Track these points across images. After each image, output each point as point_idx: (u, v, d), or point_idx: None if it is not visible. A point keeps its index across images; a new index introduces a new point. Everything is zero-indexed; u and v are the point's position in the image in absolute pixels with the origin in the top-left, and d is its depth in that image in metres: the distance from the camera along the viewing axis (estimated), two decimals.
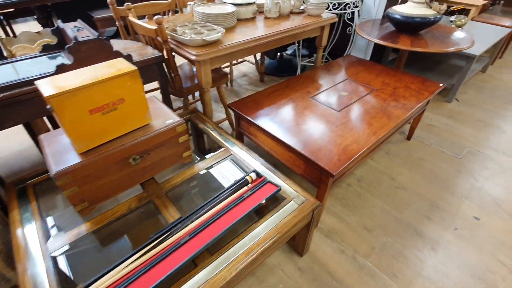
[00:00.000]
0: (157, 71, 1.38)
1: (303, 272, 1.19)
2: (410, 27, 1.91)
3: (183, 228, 0.90)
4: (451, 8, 3.01)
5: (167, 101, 1.54)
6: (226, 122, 2.12)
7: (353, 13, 2.44)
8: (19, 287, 0.80)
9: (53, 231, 1.03)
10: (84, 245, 0.98)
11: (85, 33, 1.21)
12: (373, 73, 1.77)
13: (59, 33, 1.34)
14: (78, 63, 1.14)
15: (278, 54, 2.94)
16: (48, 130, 1.64)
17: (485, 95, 2.49)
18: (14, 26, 4.54)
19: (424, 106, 1.71)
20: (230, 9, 1.60)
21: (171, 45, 1.41)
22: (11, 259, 1.11)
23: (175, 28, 1.42)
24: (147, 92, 2.15)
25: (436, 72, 2.51)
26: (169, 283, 0.78)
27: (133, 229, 1.07)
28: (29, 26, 4.73)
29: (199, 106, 2.31)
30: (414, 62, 2.71)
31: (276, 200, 1.08)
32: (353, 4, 2.29)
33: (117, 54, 1.21)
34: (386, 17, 2.00)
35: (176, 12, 2.03)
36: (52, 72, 1.11)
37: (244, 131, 1.50)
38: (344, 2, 2.23)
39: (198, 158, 1.58)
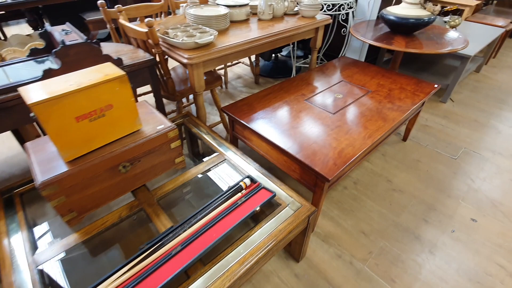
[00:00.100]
0: (149, 74, 1.36)
1: (299, 278, 1.16)
2: (405, 28, 1.91)
3: (175, 237, 0.87)
4: (445, 8, 3.02)
5: (159, 105, 1.51)
6: (221, 125, 2.09)
7: (347, 14, 2.43)
8: None
9: (41, 242, 0.99)
10: (72, 256, 0.95)
11: (73, 37, 1.18)
12: (368, 74, 1.75)
13: (47, 37, 1.31)
14: (66, 68, 1.10)
15: (273, 55, 2.92)
16: (39, 136, 1.61)
17: (479, 95, 2.49)
18: (6, 29, 4.47)
19: (419, 107, 1.70)
20: (223, 11, 1.58)
21: (163, 48, 1.38)
22: None
23: (167, 30, 1.39)
24: (139, 95, 2.12)
25: (431, 73, 2.51)
26: None
27: (124, 239, 1.04)
28: (21, 29, 4.66)
29: (193, 108, 2.28)
30: (409, 62, 2.71)
31: (271, 206, 1.05)
32: (348, 5, 2.28)
33: (107, 58, 1.18)
34: (381, 18, 1.99)
35: (169, 14, 2.00)
36: (39, 77, 1.08)
37: (238, 135, 1.48)
38: (338, 3, 2.22)
39: (193, 163, 1.55)
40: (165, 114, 1.58)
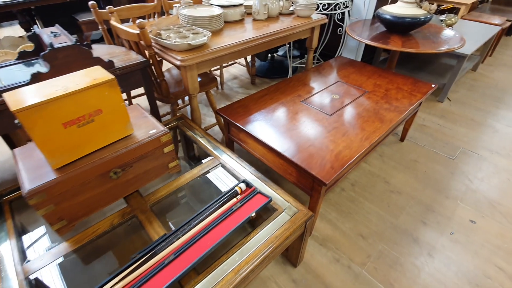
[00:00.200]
0: (141, 77, 1.33)
1: (297, 284, 1.14)
2: (401, 27, 1.89)
3: (168, 246, 0.84)
4: (441, 7, 3.01)
5: (153, 107, 1.49)
6: (217, 126, 2.07)
7: (343, 13, 2.41)
8: None
9: (31, 251, 0.96)
10: (62, 266, 0.92)
11: (62, 39, 1.15)
12: (364, 74, 1.73)
13: (36, 39, 1.28)
14: (55, 71, 1.07)
15: (269, 55, 2.90)
16: (30, 140, 1.57)
17: (476, 94, 2.49)
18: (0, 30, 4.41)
19: (416, 107, 1.69)
20: (217, 11, 1.55)
21: (156, 50, 1.35)
22: None
23: (159, 32, 1.36)
24: (133, 97, 2.09)
25: (428, 72, 2.50)
26: None
27: (117, 247, 1.01)
28: (14, 30, 4.60)
29: (189, 110, 2.25)
30: (405, 62, 2.70)
31: (267, 211, 1.03)
32: (343, 4, 2.26)
33: (97, 61, 1.15)
34: (377, 17, 1.98)
35: (163, 14, 1.97)
36: (27, 82, 1.05)
37: (234, 138, 1.45)
38: (334, 3, 2.20)
39: (189, 166, 1.53)
40: (159, 116, 1.55)
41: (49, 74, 1.06)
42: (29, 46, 1.61)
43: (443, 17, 2.38)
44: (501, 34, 3.08)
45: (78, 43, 1.10)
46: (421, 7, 1.85)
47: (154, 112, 1.51)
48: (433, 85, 1.61)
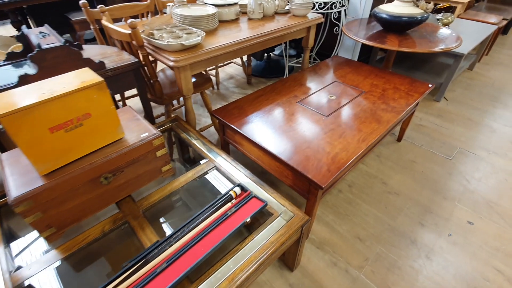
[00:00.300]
0: (134, 78, 1.30)
1: None
2: (398, 26, 1.87)
3: (160, 253, 0.82)
4: (437, 6, 3.00)
5: (147, 109, 1.46)
6: (213, 127, 2.04)
7: (339, 12, 2.39)
8: None
9: (19, 259, 0.93)
10: (52, 274, 0.89)
11: (50, 40, 1.11)
12: (361, 74, 1.72)
13: (24, 40, 1.24)
14: (43, 73, 1.04)
15: (265, 55, 2.87)
16: None
17: (473, 93, 2.48)
18: None
19: (413, 108, 1.67)
20: (211, 10, 1.52)
21: (148, 50, 1.32)
22: None
23: (152, 31, 1.33)
24: (127, 98, 2.06)
25: (424, 71, 2.48)
26: None
27: (108, 254, 0.98)
28: (7, 29, 4.53)
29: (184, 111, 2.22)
30: (401, 61, 2.68)
31: (262, 215, 1.01)
32: (339, 3, 2.23)
33: (87, 62, 1.12)
34: (373, 17, 1.96)
35: (156, 14, 1.94)
36: (14, 84, 1.01)
37: (229, 140, 1.43)
38: (330, 2, 2.17)
39: (184, 168, 1.50)
40: (153, 118, 1.52)
41: (37, 76, 1.03)
42: (19, 47, 1.57)
43: (439, 16, 2.37)
44: (497, 33, 3.07)
45: (67, 44, 1.07)
46: (417, 6, 1.83)
47: (148, 113, 1.48)
48: (430, 85, 1.59)
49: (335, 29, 2.52)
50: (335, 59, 1.92)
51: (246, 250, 0.86)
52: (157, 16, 1.75)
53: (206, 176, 1.17)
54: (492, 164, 1.73)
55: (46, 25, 1.27)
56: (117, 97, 2.16)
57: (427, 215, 1.41)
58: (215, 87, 2.56)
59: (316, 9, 2.18)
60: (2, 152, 1.57)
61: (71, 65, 1.09)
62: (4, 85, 1.01)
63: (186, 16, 1.41)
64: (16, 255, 0.95)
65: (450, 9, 3.04)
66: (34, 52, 1.01)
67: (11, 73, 1.14)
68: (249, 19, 1.70)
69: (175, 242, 0.85)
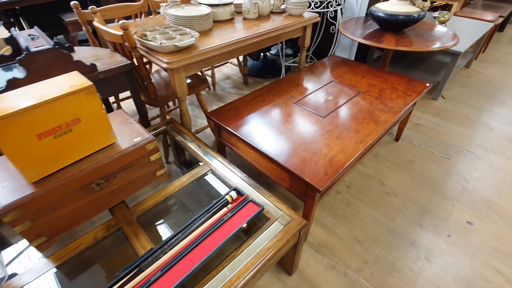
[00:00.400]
0: (126, 80, 1.27)
1: None
2: (394, 25, 1.85)
3: (155, 262, 0.80)
4: (434, 4, 2.99)
5: (141, 111, 1.43)
6: (209, 129, 2.02)
7: (335, 11, 2.37)
8: None
9: (10, 269, 0.91)
10: (43, 284, 0.87)
11: (40, 42, 1.08)
12: (358, 74, 1.70)
13: (14, 42, 1.21)
14: (32, 77, 1.01)
15: (262, 54, 2.85)
16: None
17: (470, 91, 2.47)
18: None
19: (411, 107, 1.66)
20: (205, 10, 1.49)
21: (141, 52, 1.29)
22: None
23: (145, 33, 1.30)
24: (121, 100, 2.02)
25: (421, 69, 2.47)
26: None
27: (101, 262, 0.96)
28: (0, 31, 4.46)
29: None
30: (398, 59, 2.67)
31: (259, 220, 0.99)
32: (336, 2, 2.21)
33: (78, 65, 1.09)
34: (370, 15, 1.94)
35: (150, 14, 1.91)
36: (2, 88, 0.98)
37: (225, 142, 1.41)
38: (326, 0, 2.15)
39: (180, 171, 1.47)
40: (147, 120, 1.49)
41: (26, 80, 1.00)
42: (9, 49, 1.54)
43: (436, 14, 2.36)
44: (493, 30, 3.07)
45: (57, 46, 1.04)
46: (414, 5, 1.82)
47: (143, 116, 1.45)
48: (427, 84, 1.58)
49: (331, 28, 2.51)
50: (332, 59, 1.90)
51: (242, 256, 0.84)
52: (150, 16, 1.72)
53: (202, 181, 1.15)
54: (490, 163, 1.72)
55: (35, 27, 1.24)
56: (112, 99, 2.13)
57: (426, 216, 1.40)
58: (211, 87, 2.54)
59: (312, 8, 2.16)
60: None
61: (61, 68, 1.06)
62: None
63: (179, 16, 1.38)
64: (8, 264, 0.92)
65: (447, 7, 3.03)
66: (23, 55, 0.98)
67: (0, 77, 1.11)
68: (244, 19, 1.67)
69: (170, 250, 0.83)
